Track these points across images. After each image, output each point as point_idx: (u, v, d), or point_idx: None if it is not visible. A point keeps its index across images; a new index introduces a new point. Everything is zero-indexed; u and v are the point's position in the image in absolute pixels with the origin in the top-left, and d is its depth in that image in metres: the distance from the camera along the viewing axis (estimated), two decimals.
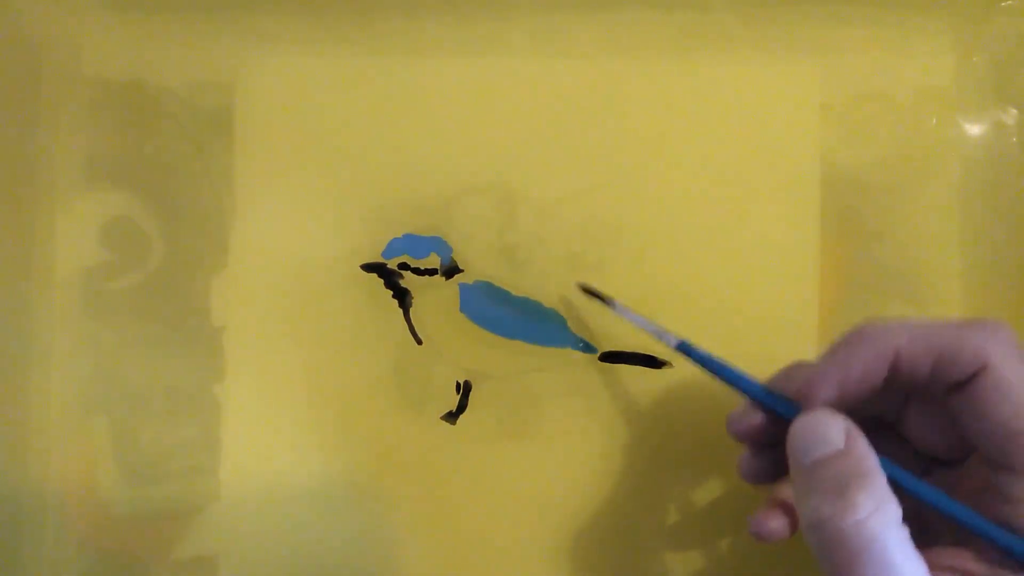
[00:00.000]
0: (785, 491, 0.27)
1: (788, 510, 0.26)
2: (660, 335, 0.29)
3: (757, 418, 0.26)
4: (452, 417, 0.33)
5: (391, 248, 0.33)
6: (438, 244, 0.33)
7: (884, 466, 0.23)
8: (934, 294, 0.33)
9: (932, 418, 0.26)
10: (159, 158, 0.33)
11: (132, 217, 0.33)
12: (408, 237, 0.33)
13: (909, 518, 0.22)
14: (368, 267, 0.33)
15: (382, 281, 0.33)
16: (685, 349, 0.28)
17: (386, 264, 0.33)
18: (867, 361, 0.24)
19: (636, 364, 0.33)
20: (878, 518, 0.21)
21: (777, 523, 0.26)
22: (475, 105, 0.33)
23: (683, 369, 0.33)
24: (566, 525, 0.33)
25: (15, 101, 0.33)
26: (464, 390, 0.33)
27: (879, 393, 0.25)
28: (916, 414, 0.26)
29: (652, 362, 0.33)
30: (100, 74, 0.33)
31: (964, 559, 0.23)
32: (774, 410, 0.26)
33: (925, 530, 0.25)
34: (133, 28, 0.33)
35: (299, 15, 0.34)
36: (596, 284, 0.33)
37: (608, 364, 0.33)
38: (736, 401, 0.27)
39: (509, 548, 0.33)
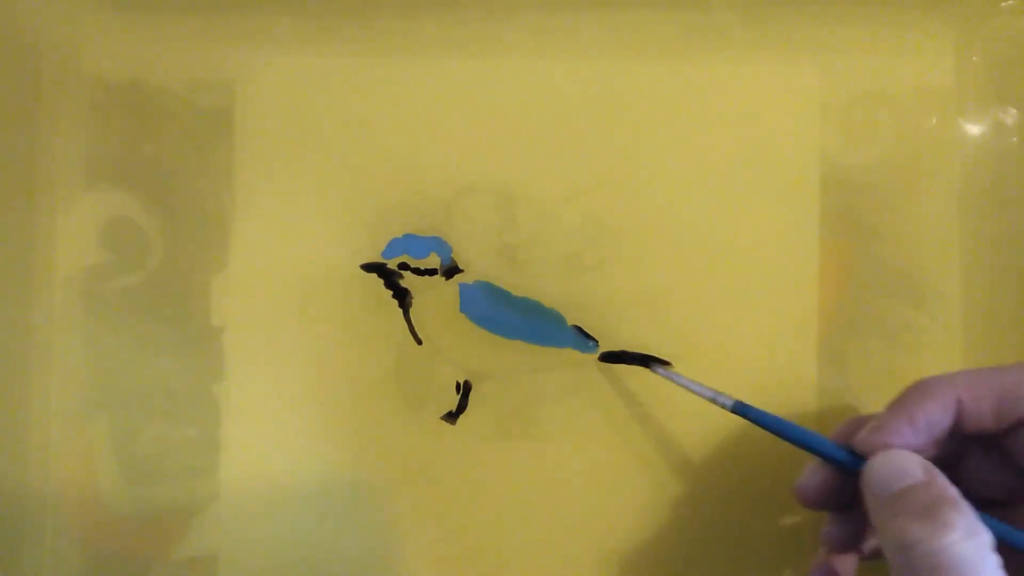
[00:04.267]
0: (838, 561, 0.27)
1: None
2: (715, 398, 0.29)
3: (826, 475, 0.26)
4: (452, 417, 0.33)
5: (391, 248, 0.33)
6: (438, 244, 0.33)
7: None
8: (934, 294, 0.33)
9: (992, 460, 0.26)
10: (159, 158, 0.33)
11: (132, 217, 0.33)
12: (408, 237, 0.33)
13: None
14: (368, 267, 0.33)
15: (382, 281, 0.33)
16: (741, 410, 0.28)
17: (386, 264, 0.33)
18: (930, 412, 0.25)
19: (636, 364, 0.33)
20: (971, 541, 0.21)
21: (846, 568, 0.26)
22: (475, 105, 0.33)
23: (683, 369, 0.33)
24: (565, 524, 0.33)
25: (15, 101, 0.33)
26: (464, 390, 0.33)
27: (943, 440, 0.25)
28: (976, 457, 0.26)
29: (652, 361, 0.33)
30: (100, 74, 0.33)
31: None
32: (846, 465, 0.25)
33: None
34: (133, 28, 0.33)
35: (299, 15, 0.34)
36: (596, 284, 0.33)
37: (608, 364, 0.33)
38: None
39: (509, 548, 0.33)
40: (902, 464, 0.24)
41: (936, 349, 0.33)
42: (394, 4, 0.33)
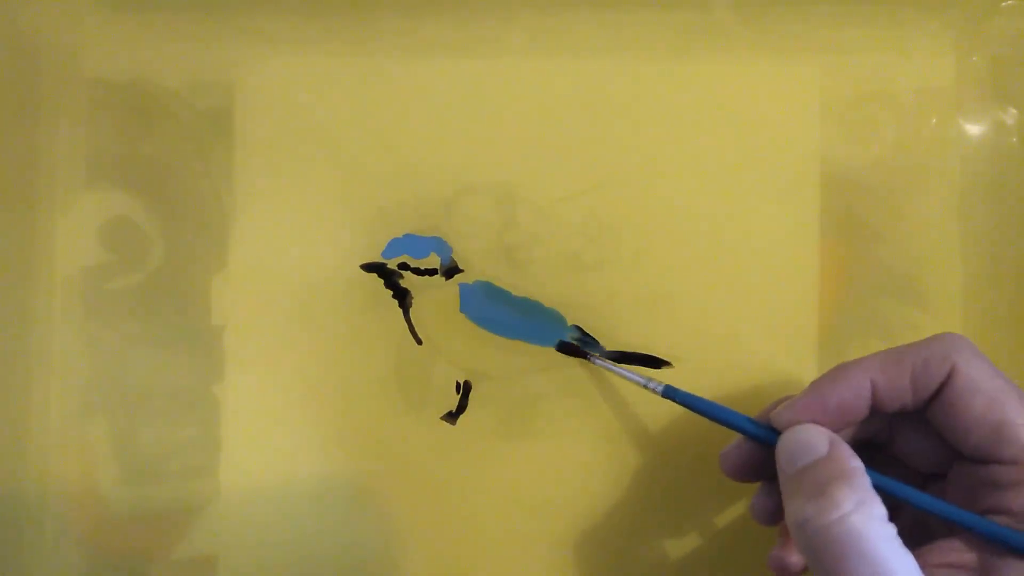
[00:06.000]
0: (787, 549, 0.27)
1: None
2: (644, 383, 0.30)
3: (746, 449, 0.27)
4: (452, 417, 0.33)
5: (391, 248, 0.33)
6: (438, 244, 0.33)
7: (870, 475, 0.24)
8: (934, 294, 0.33)
9: (918, 433, 0.27)
10: (159, 158, 0.33)
11: (132, 217, 0.33)
12: (408, 237, 0.33)
13: (907, 524, 0.22)
14: (368, 267, 0.33)
15: (382, 281, 0.33)
16: (670, 394, 0.29)
17: (386, 264, 0.33)
18: (842, 395, 0.26)
19: (636, 364, 0.33)
20: (860, 514, 0.22)
21: (796, 557, 0.27)
22: (475, 105, 0.33)
23: (683, 369, 0.33)
24: (566, 525, 0.33)
25: (15, 101, 0.33)
26: (464, 390, 0.33)
27: (866, 420, 0.27)
28: (903, 432, 0.27)
29: (652, 362, 0.33)
30: (100, 74, 0.33)
31: (957, 552, 0.24)
32: (762, 439, 0.27)
33: (922, 533, 0.26)
34: (133, 28, 0.33)
35: (299, 15, 0.34)
36: (596, 284, 0.33)
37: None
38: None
39: (508, 548, 0.33)
40: (808, 438, 0.25)
41: None
42: (394, 4, 0.33)
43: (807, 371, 0.33)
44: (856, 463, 0.23)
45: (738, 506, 0.33)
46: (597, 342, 0.33)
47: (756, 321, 0.33)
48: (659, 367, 0.33)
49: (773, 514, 0.28)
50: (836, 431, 0.25)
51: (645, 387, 0.30)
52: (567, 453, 0.33)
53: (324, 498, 0.33)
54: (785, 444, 0.25)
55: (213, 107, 0.33)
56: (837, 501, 0.22)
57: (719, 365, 0.33)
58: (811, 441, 0.24)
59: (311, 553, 0.33)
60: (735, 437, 0.28)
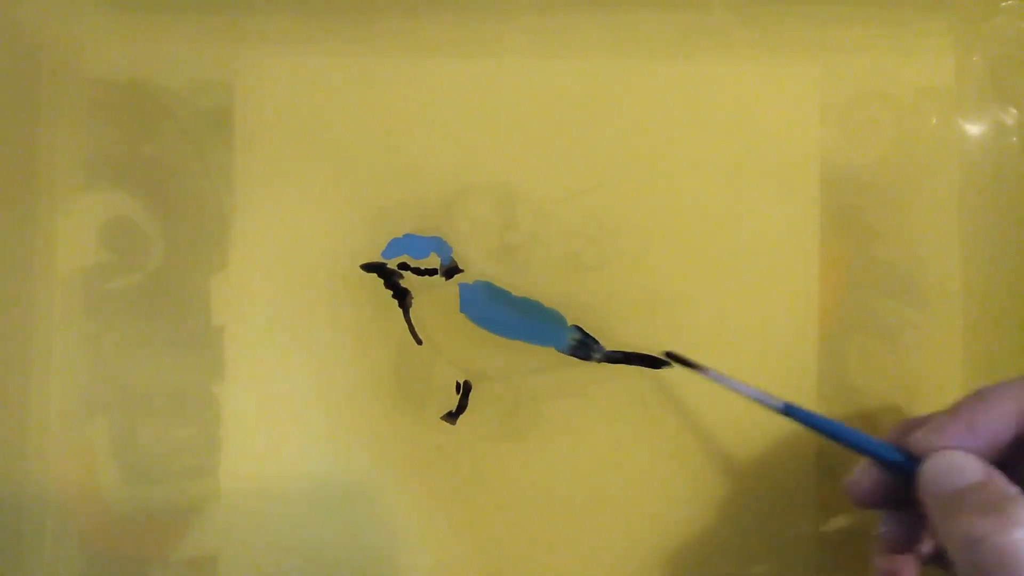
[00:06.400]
0: (899, 568, 0.27)
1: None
2: (762, 399, 0.28)
3: (878, 475, 0.26)
4: (452, 417, 0.33)
5: (391, 248, 0.33)
6: (438, 244, 0.33)
7: None
8: (934, 294, 0.33)
9: None
10: (159, 158, 0.33)
11: (132, 217, 0.33)
12: (408, 237, 0.33)
13: None
14: (368, 267, 0.33)
15: (382, 281, 0.33)
16: (791, 412, 0.27)
17: (386, 264, 0.33)
18: (991, 421, 0.24)
19: (636, 364, 0.33)
20: None
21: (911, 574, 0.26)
22: (475, 105, 0.33)
23: (683, 369, 0.33)
24: (566, 525, 0.33)
25: (15, 101, 0.33)
26: (464, 390, 0.33)
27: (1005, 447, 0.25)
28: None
29: (652, 362, 0.33)
30: (100, 74, 0.33)
31: None
32: (896, 464, 0.25)
33: None
34: (133, 28, 0.33)
35: (299, 15, 0.34)
36: (596, 284, 0.33)
37: (608, 364, 0.33)
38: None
39: (508, 547, 0.33)
40: (960, 464, 0.24)
41: (936, 349, 0.33)
42: (394, 4, 0.33)
43: (807, 371, 0.33)
44: (1017, 489, 0.22)
45: (739, 502, 0.33)
46: (597, 342, 0.33)
47: (756, 321, 0.33)
48: (659, 367, 0.33)
49: (905, 543, 0.27)
50: (979, 454, 0.24)
51: (761, 403, 0.28)
52: (567, 453, 0.33)
53: (324, 498, 0.33)
54: (934, 469, 0.24)
55: (213, 107, 0.33)
56: (1018, 519, 0.21)
57: (719, 365, 0.33)
58: (964, 467, 0.23)
59: (311, 553, 0.33)
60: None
